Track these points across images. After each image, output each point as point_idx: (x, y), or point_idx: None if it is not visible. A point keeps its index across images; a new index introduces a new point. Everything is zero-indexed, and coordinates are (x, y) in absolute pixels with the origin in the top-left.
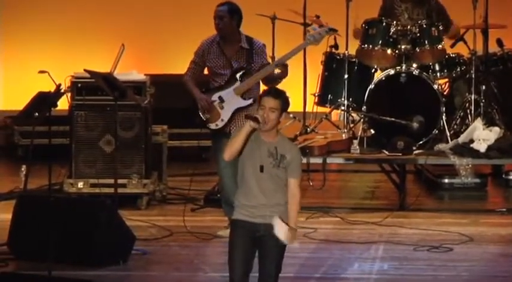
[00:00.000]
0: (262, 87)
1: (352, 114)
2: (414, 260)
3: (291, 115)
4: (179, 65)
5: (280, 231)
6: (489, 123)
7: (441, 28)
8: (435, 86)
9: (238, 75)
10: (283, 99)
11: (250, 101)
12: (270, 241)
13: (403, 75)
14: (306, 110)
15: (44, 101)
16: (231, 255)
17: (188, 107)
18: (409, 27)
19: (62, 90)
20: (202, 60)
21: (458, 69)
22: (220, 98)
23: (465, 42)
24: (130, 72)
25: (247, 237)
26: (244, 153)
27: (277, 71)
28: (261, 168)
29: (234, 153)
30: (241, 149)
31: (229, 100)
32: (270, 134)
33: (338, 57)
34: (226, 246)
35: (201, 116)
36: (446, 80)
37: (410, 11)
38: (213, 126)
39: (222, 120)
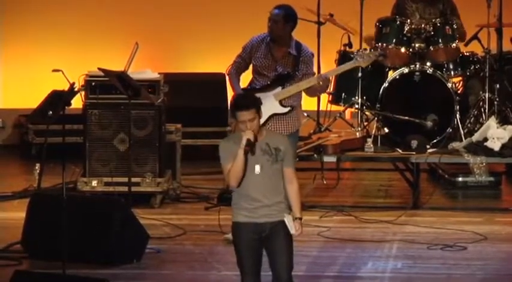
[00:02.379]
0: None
1: (366, 113)
2: (428, 259)
3: (305, 113)
4: (193, 63)
5: (292, 227)
6: (503, 121)
7: (455, 27)
8: (449, 85)
9: (281, 81)
10: (254, 104)
11: (287, 109)
12: (278, 238)
13: (417, 73)
14: (320, 108)
15: (58, 99)
16: (240, 259)
17: (202, 105)
18: (423, 25)
19: (76, 89)
20: (249, 56)
21: (472, 68)
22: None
23: (479, 41)
24: (144, 70)
25: (253, 239)
26: None
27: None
28: (257, 170)
29: (240, 179)
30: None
31: (267, 104)
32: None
33: (352, 55)
34: None
35: None
36: (460, 78)
37: (422, 11)
38: None
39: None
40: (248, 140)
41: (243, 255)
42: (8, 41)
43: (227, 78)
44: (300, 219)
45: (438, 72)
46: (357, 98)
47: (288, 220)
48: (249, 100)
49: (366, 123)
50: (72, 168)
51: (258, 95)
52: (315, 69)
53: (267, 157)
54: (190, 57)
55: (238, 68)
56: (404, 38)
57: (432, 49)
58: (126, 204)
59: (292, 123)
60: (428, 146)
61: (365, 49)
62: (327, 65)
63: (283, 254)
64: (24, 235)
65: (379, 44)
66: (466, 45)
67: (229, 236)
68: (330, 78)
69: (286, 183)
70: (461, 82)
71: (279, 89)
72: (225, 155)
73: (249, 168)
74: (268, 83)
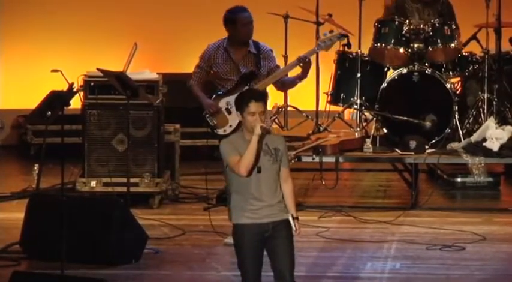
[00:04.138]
0: (272, 93)
1: (365, 113)
2: (427, 259)
3: (304, 114)
4: (192, 64)
5: (294, 227)
6: (502, 122)
7: (454, 27)
8: (448, 85)
9: (246, 81)
10: (266, 99)
11: None
12: (280, 238)
13: (416, 74)
14: (319, 108)
15: (56, 99)
16: (243, 261)
17: (201, 106)
18: (421, 26)
19: (75, 89)
20: (208, 64)
21: (471, 68)
22: (228, 103)
23: (478, 41)
24: (143, 71)
25: (256, 241)
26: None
27: (293, 74)
28: (259, 170)
29: (251, 166)
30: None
31: None
32: None
33: (351, 56)
34: None
35: (209, 121)
36: (459, 78)
37: (421, 11)
38: (221, 131)
39: (231, 126)
40: (262, 126)
41: (246, 257)
42: (7, 42)
43: (190, 90)
44: (297, 218)
45: (437, 72)
46: (355, 98)
47: (291, 218)
48: (262, 93)
49: (364, 124)
50: (70, 168)
51: (227, 98)
52: (314, 70)
53: (268, 157)
54: (189, 58)
55: (199, 78)
56: (403, 39)
57: (431, 49)
58: (124, 204)
59: (266, 123)
60: (427, 147)
61: (325, 33)
62: (326, 66)
63: (286, 254)
64: (23, 236)
65: (378, 44)
66: (464, 45)
67: (229, 240)
68: (310, 60)
69: (282, 183)
70: (460, 82)
71: (246, 88)
72: (228, 150)
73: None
74: (234, 85)
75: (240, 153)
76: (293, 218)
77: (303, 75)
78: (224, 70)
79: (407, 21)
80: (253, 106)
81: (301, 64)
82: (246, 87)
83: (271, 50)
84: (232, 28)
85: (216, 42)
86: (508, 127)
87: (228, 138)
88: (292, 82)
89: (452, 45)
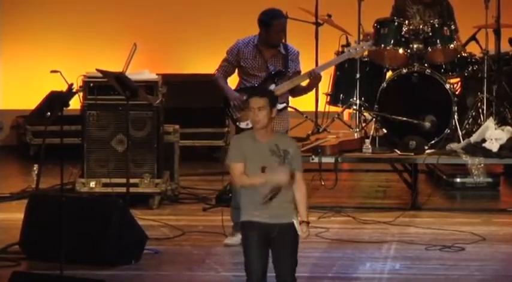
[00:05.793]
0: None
1: (364, 114)
2: (426, 260)
3: (303, 114)
4: (191, 64)
5: (299, 229)
6: (501, 122)
7: (453, 27)
8: (447, 86)
9: (273, 79)
10: (268, 96)
11: (283, 105)
12: (284, 241)
13: (415, 74)
14: (318, 109)
15: (56, 100)
16: (249, 258)
17: (200, 106)
18: (421, 26)
19: (74, 90)
20: (236, 59)
21: (471, 69)
22: None
23: (477, 42)
24: (142, 71)
25: (263, 239)
26: (246, 158)
27: (304, 83)
28: (263, 169)
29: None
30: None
31: None
32: (266, 132)
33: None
34: (237, 246)
35: (232, 114)
36: (458, 79)
37: (422, 13)
38: (243, 125)
39: None
40: (274, 188)
41: (251, 254)
42: (7, 42)
43: (215, 82)
44: (308, 223)
45: (436, 73)
46: (355, 99)
47: (296, 222)
48: (265, 90)
49: (364, 124)
50: (70, 169)
51: None
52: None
53: (275, 158)
54: (189, 58)
55: (226, 71)
56: (403, 39)
57: (430, 50)
58: (124, 205)
59: (285, 121)
60: (426, 147)
61: (356, 41)
62: None
63: (288, 256)
64: (23, 236)
65: (377, 45)
66: (464, 46)
67: (229, 241)
68: (321, 74)
69: (295, 187)
70: (459, 83)
71: (273, 86)
72: (234, 153)
73: (257, 168)
74: (261, 81)
75: (244, 155)
76: (301, 222)
77: (309, 88)
78: (252, 66)
79: (406, 21)
80: (252, 101)
81: (311, 77)
82: (273, 85)
83: (299, 53)
84: (265, 31)
85: (246, 38)
86: (508, 128)
87: (239, 136)
88: (301, 91)
89: (452, 45)
